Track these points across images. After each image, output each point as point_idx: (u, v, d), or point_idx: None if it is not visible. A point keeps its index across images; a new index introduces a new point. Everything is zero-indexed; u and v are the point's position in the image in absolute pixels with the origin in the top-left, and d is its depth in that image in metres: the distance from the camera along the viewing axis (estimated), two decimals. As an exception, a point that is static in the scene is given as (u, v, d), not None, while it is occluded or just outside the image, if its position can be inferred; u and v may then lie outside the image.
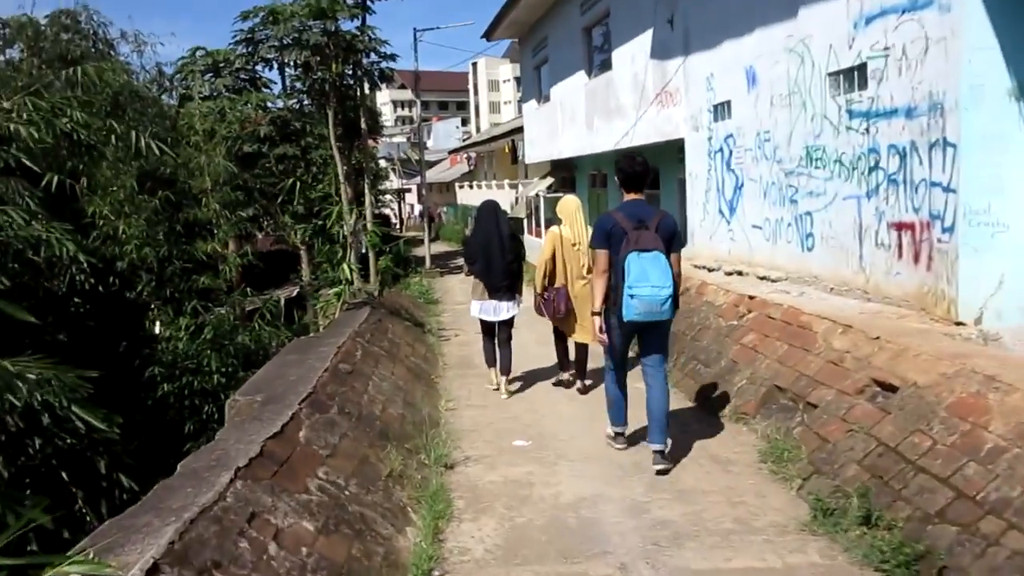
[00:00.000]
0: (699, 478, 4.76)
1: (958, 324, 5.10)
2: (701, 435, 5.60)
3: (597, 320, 5.07)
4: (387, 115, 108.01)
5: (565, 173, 19.84)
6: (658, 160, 13.07)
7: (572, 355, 7.22)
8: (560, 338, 7.23)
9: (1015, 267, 5.09)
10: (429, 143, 69.07)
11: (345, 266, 8.56)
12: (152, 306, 13.76)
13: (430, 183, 50.41)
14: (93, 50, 19.13)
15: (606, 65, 13.77)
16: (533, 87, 19.96)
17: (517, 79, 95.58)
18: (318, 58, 20.33)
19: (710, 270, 9.16)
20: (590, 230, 5.58)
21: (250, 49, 21.31)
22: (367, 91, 22.98)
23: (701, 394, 6.49)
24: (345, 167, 24.81)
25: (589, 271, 6.11)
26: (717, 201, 9.31)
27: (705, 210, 9.73)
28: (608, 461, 5.16)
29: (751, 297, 7.07)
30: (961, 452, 3.66)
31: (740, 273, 8.34)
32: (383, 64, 22.97)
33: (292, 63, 20.82)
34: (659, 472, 4.90)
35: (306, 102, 23.23)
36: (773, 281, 7.62)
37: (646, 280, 4.68)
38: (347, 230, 8.65)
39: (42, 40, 18.15)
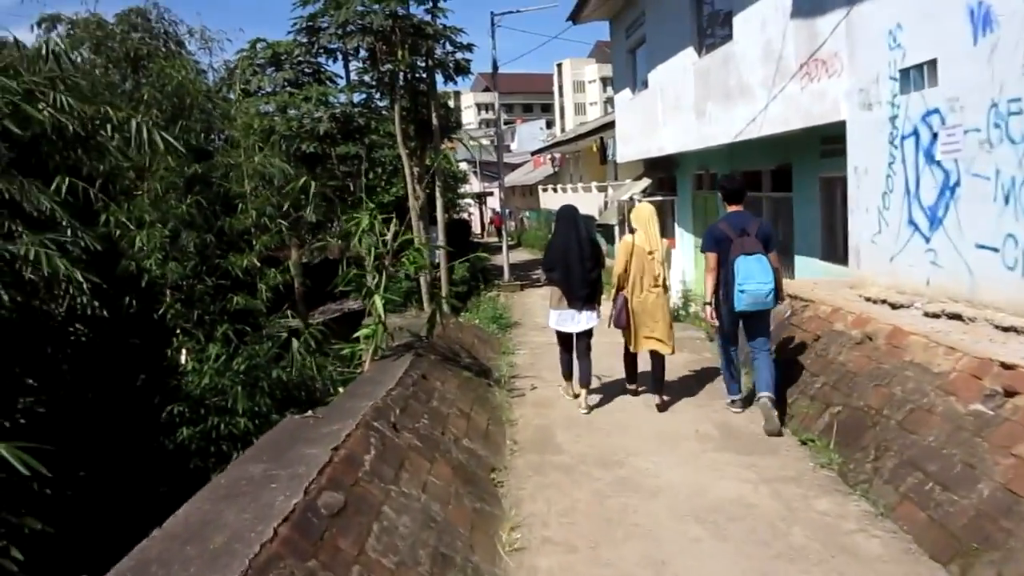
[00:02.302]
0: None
1: None
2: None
3: (709, 308, 6.39)
4: (470, 118, 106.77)
5: (663, 173, 17.09)
6: (790, 153, 10.30)
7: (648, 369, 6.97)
8: (629, 353, 6.97)
9: None
10: (513, 146, 67.14)
11: (377, 299, 6.07)
12: (177, 331, 11.72)
13: (512, 186, 48.19)
14: (163, 49, 17.83)
15: (723, 37, 11.05)
16: (627, 74, 17.28)
17: (603, 79, 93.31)
18: (384, 45, 18.20)
19: (894, 306, 6.37)
20: (665, 242, 6.65)
21: (311, 39, 19.27)
22: (443, 85, 20.81)
23: (950, 546, 3.74)
24: (417, 168, 22.79)
25: (656, 282, 6.54)
26: (905, 207, 6.51)
27: (882, 219, 6.93)
28: None
29: (1008, 366, 4.30)
30: None
31: (958, 317, 5.52)
32: (458, 55, 20.81)
33: (355, 51, 18.75)
34: (767, 398, 5.93)
35: (376, 97, 21.10)
36: (1031, 335, 4.81)
37: (752, 278, 5.82)
38: (382, 246, 6.22)
39: (110, 39, 16.96)
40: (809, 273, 9.94)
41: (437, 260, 20.99)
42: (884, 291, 6.83)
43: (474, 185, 50.49)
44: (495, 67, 22.37)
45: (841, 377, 5.77)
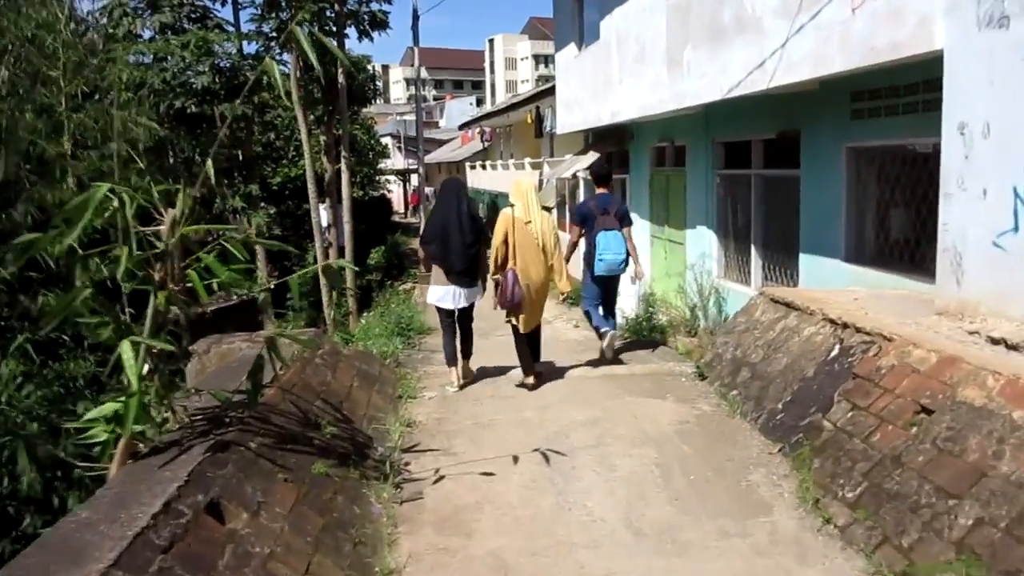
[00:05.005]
0: None
1: None
2: None
3: (572, 257, 7.37)
4: (399, 93, 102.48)
5: (613, 147, 14.25)
6: (798, 116, 7.63)
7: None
8: (520, 337, 6.59)
9: None
10: (441, 122, 63.85)
11: (125, 349, 3.03)
12: (-51, 345, 8.43)
13: (438, 163, 45.05)
14: None
15: None
16: (571, 26, 14.35)
17: (535, 57, 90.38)
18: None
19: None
20: (544, 214, 6.56)
21: (192, -27, 15.85)
22: (359, 43, 17.71)
23: None
24: (325, 138, 19.49)
25: (544, 253, 6.45)
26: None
27: (1021, 209, 4.20)
28: None
29: None
30: None
31: None
32: (374, 5, 17.70)
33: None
34: (611, 332, 7.53)
35: (275, 51, 17.69)
36: None
37: (609, 249, 7.17)
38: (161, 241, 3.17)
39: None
40: (824, 281, 7.27)
41: (343, 244, 17.89)
42: (1013, 327, 4.12)
43: (398, 161, 47.11)
44: (416, 16, 19.18)
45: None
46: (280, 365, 4.44)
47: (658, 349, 8.41)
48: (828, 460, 4.12)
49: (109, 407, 3.29)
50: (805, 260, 7.87)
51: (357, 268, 18.35)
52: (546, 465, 4.66)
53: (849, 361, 4.74)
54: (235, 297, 18.37)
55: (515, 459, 4.74)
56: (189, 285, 3.41)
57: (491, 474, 4.54)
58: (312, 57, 3.13)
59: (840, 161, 7.14)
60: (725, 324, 7.40)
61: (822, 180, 7.47)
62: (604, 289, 7.57)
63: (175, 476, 3.06)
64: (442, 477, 4.49)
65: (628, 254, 7.30)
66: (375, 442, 4.86)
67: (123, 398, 3.23)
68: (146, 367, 3.32)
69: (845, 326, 5.07)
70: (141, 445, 3.47)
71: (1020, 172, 4.15)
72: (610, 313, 7.69)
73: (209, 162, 3.33)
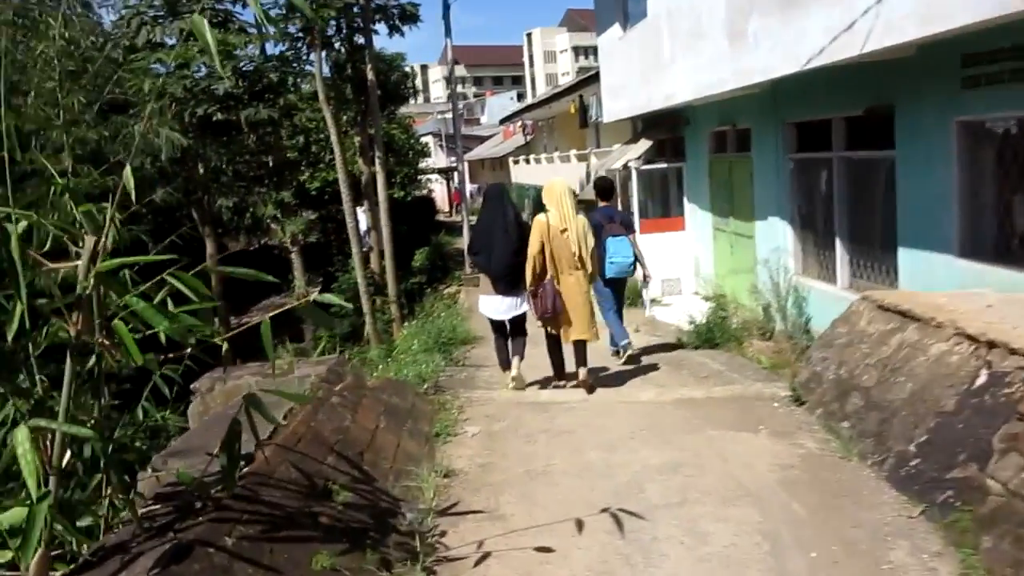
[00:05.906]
0: None
1: None
2: None
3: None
4: (439, 92, 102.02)
5: (666, 134, 13.12)
6: (890, 89, 6.51)
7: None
8: (554, 342, 6.61)
9: None
10: (483, 119, 63.02)
11: (20, 435, 2.11)
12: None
13: (481, 159, 44.22)
14: (67, 10, 13.68)
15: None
16: (614, 4, 13.24)
17: (575, 49, 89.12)
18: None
19: None
20: (579, 219, 6.35)
21: (211, -25, 15.12)
22: (389, 39, 16.87)
23: None
24: (359, 139, 18.74)
25: (581, 261, 6.29)
26: None
27: None
28: None
29: None
30: None
31: None
32: (404, -2, 16.87)
33: (265, -16, 14.62)
34: (628, 343, 7.80)
35: (303, 51, 16.92)
36: None
37: (619, 253, 7.58)
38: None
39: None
40: (933, 280, 6.17)
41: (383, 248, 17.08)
42: None
43: (440, 159, 46.37)
44: (446, 5, 18.26)
45: None
46: (284, 412, 3.54)
47: (735, 360, 7.35)
48: (1006, 539, 3.04)
49: (16, 514, 2.37)
50: (905, 255, 6.73)
51: (399, 271, 17.58)
52: (618, 534, 3.65)
53: (1005, 393, 3.64)
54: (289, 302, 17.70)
55: (579, 524, 3.74)
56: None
57: (549, 549, 3.55)
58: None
59: (949, 139, 6.00)
60: (821, 336, 6.26)
61: (925, 161, 6.33)
62: (615, 291, 7.93)
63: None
64: (487, 555, 3.51)
65: (636, 258, 7.73)
66: (403, 505, 3.90)
67: (33, 507, 2.32)
68: (67, 456, 2.41)
69: (991, 345, 3.97)
70: (84, 548, 2.59)
71: None
72: (619, 314, 8.00)
73: (127, 170, 2.39)
